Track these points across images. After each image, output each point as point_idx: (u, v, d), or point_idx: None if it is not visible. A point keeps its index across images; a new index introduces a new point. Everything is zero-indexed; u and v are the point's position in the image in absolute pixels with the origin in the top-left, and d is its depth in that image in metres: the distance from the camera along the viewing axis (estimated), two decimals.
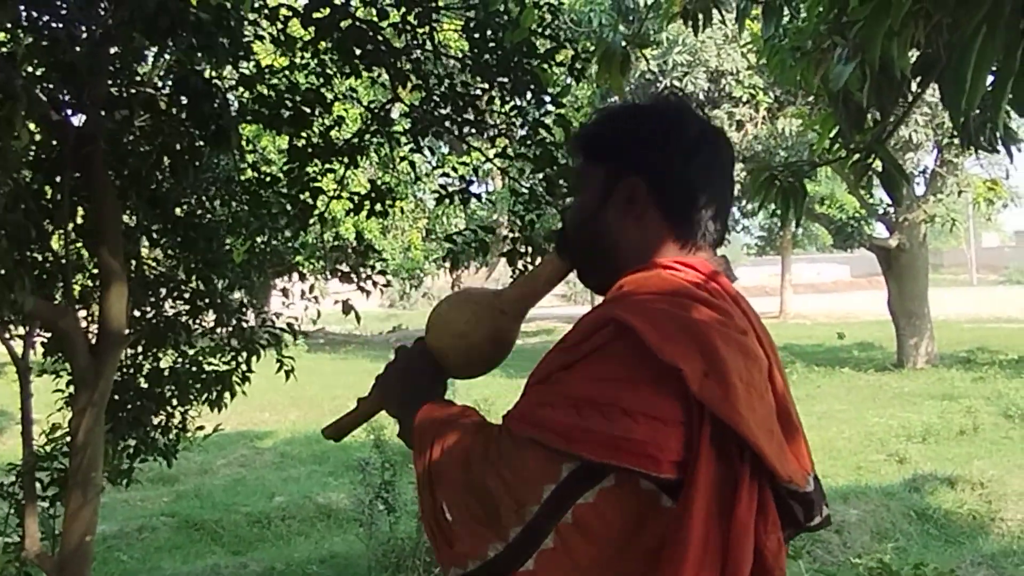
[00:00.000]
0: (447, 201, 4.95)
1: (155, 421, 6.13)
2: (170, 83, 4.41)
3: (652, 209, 1.61)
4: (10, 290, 3.58)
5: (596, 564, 1.41)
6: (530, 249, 4.77)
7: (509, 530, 1.41)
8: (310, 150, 4.73)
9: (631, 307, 1.48)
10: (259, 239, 5.95)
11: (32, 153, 4.45)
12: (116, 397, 5.56)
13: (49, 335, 5.09)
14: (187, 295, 5.88)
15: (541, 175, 4.76)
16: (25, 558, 4.60)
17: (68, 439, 4.79)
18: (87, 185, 4.29)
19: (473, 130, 4.84)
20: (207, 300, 5.85)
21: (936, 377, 18.00)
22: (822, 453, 12.04)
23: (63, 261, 4.31)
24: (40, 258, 4.48)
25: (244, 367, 6.18)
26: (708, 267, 1.61)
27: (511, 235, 4.79)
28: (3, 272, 3.59)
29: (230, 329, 6.09)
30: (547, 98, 4.78)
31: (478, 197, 4.96)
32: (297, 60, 5.33)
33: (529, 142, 4.73)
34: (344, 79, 5.18)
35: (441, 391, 1.77)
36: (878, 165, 4.13)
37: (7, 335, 5.09)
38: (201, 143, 4.66)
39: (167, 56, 4.65)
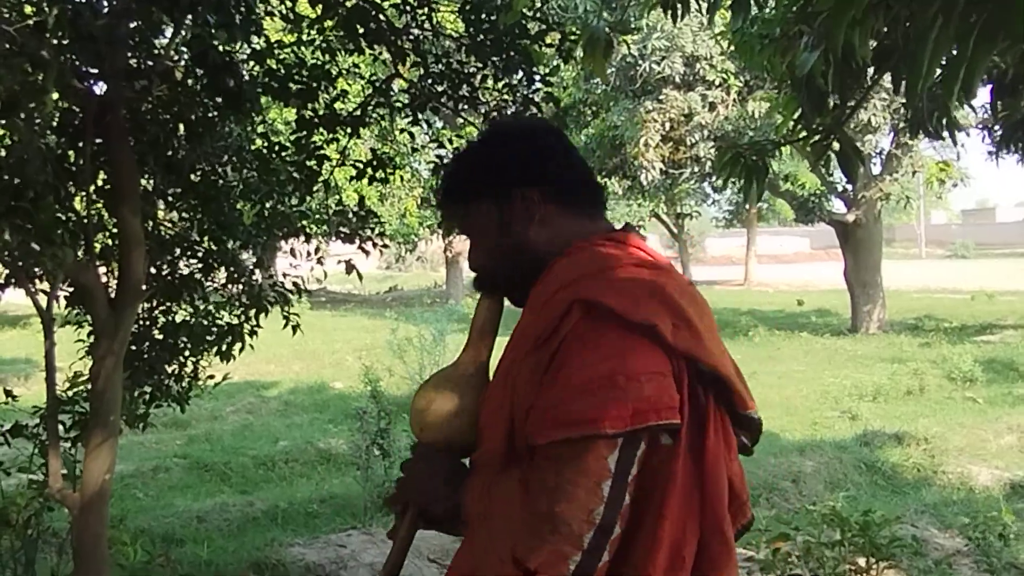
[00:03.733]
0: (442, 172, 4.92)
1: (169, 370, 6.12)
2: (187, 56, 4.36)
3: (548, 206, 1.67)
4: (51, 244, 3.56)
5: (637, 520, 1.44)
6: None
7: (583, 537, 1.39)
8: (316, 121, 4.70)
9: (588, 285, 1.50)
10: (268, 203, 5.92)
11: (56, 120, 4.40)
12: (133, 347, 5.55)
13: (71, 289, 5.07)
14: (200, 254, 5.86)
15: None
16: (49, 494, 4.60)
17: (89, 385, 4.78)
18: (108, 150, 4.25)
19: (467, 106, 4.82)
20: (219, 259, 5.83)
21: (887, 342, 18.08)
22: (780, 409, 12.13)
23: (85, 221, 4.27)
24: (63, 218, 4.45)
25: (253, 322, 6.18)
26: (625, 236, 1.68)
27: None
28: (45, 228, 3.56)
29: (240, 286, 6.08)
30: (537, 77, 4.75)
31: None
32: (303, 37, 5.28)
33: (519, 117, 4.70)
34: (348, 56, 5.14)
35: (465, 470, 1.71)
36: (836, 146, 4.15)
37: (32, 288, 5.07)
38: (214, 113, 4.63)
39: (183, 31, 4.59)
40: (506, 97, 4.81)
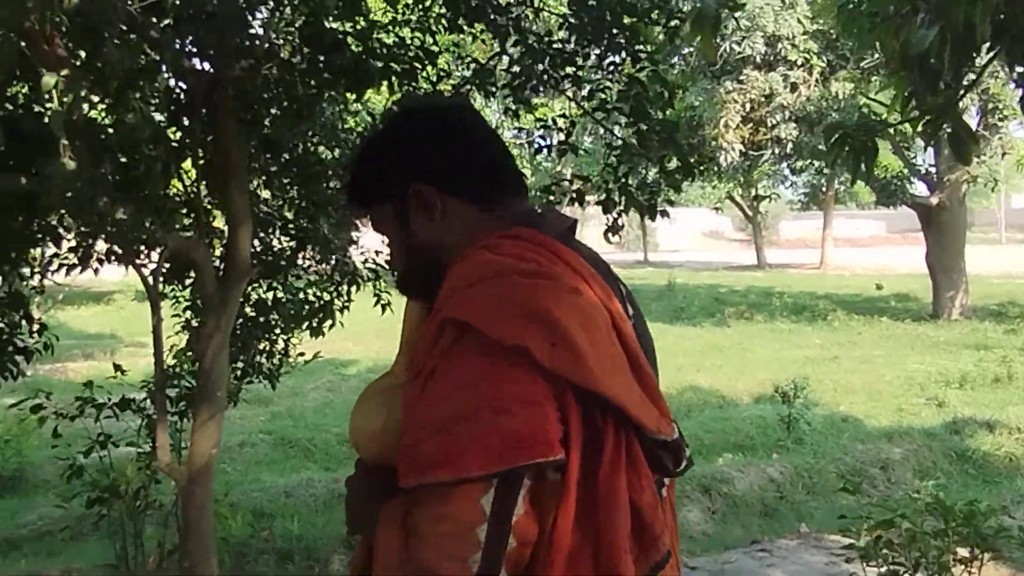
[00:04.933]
0: (545, 152, 4.90)
1: (260, 347, 6.20)
2: (294, 35, 4.36)
3: (447, 200, 1.50)
4: (164, 220, 3.60)
5: (532, 559, 1.28)
6: (623, 199, 4.70)
7: None
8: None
9: (458, 303, 1.33)
10: None
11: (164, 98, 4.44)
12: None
13: (167, 265, 5.14)
14: (292, 232, 5.90)
15: (634, 129, 4.67)
16: (156, 468, 4.67)
17: (193, 360, 4.85)
18: (215, 129, 4.28)
19: (571, 86, 4.76)
20: (312, 237, 5.87)
21: (970, 328, 17.64)
22: (863, 395, 11.91)
23: (193, 198, 4.31)
24: (174, 194, 4.50)
25: (344, 298, 6.23)
26: (527, 231, 1.46)
27: (606, 186, 4.71)
28: (157, 204, 3.59)
29: (332, 264, 6.12)
30: (643, 55, 4.65)
31: (575, 149, 4.87)
32: (398, 16, 5.27)
33: (625, 97, 4.63)
34: (447, 34, 5.10)
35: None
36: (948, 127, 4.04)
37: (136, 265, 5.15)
38: (316, 92, 4.63)
39: (281, 10, 4.59)
40: (610, 76, 4.73)
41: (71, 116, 2.98)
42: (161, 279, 5.60)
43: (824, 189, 33.06)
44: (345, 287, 6.17)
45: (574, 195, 4.83)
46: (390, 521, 1.36)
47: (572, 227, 1.55)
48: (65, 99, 2.97)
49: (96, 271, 5.45)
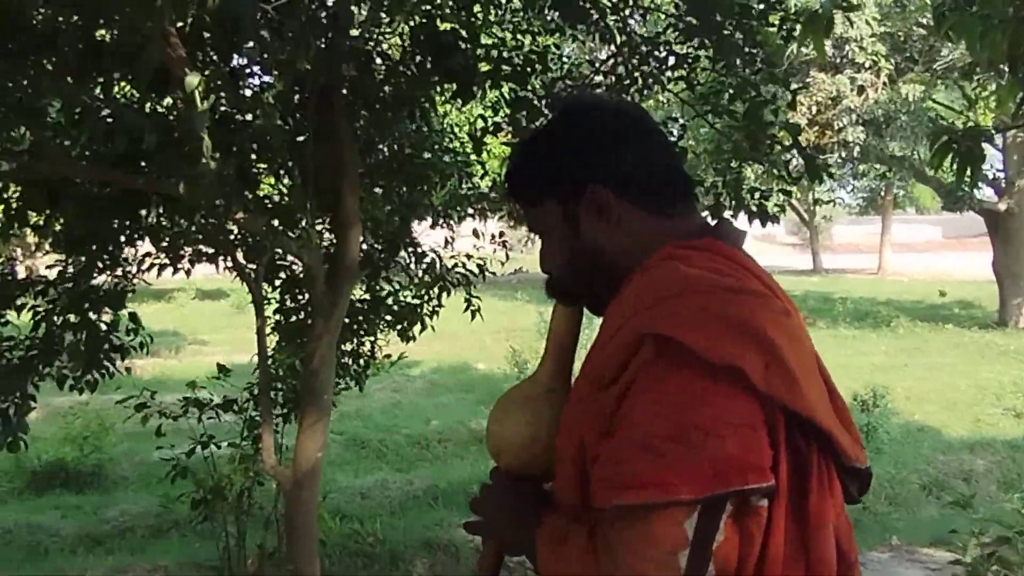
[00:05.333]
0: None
1: (347, 348, 6.18)
2: (401, 37, 4.33)
3: (624, 205, 1.41)
4: (291, 223, 3.57)
5: None
6: (734, 203, 4.61)
7: None
8: (533, 100, 4.59)
9: (663, 316, 1.25)
10: (451, 184, 5.91)
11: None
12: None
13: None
14: (382, 235, 5.87)
15: (745, 132, 4.59)
16: (261, 470, 4.66)
17: (295, 362, 4.83)
18: (328, 129, 4.25)
19: (683, 86, 4.68)
20: (404, 239, 5.85)
21: None
22: (937, 404, 11.70)
23: (305, 200, 4.28)
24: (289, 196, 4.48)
25: (434, 302, 6.19)
26: (714, 243, 1.39)
27: (715, 189, 4.63)
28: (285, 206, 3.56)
29: (423, 267, 6.09)
30: (758, 57, 4.55)
31: (684, 153, 4.79)
32: (502, 19, 5.21)
33: (738, 99, 4.54)
34: (550, 36, 5.04)
35: (541, 504, 1.46)
36: None
37: (231, 266, 5.14)
38: (423, 92, 4.59)
39: (394, 13, 4.55)
40: (723, 78, 4.64)
41: (213, 116, 2.95)
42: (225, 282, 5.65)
43: (883, 193, 32.62)
44: (436, 291, 6.12)
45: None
46: (561, 537, 1.32)
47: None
48: (206, 100, 2.95)
49: (188, 272, 5.48)
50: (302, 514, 4.51)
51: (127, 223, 4.79)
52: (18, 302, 4.86)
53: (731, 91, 4.56)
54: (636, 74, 4.72)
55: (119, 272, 5.06)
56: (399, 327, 6.04)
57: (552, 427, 1.44)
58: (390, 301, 6.09)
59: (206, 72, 2.92)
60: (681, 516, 1.16)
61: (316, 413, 4.43)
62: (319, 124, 4.30)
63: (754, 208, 4.65)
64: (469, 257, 6.22)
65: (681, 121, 5.19)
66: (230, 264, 5.46)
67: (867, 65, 16.96)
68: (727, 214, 4.66)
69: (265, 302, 5.96)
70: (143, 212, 4.75)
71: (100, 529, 7.66)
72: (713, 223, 1.48)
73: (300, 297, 5.34)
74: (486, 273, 6.25)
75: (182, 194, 3.33)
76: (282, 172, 4.24)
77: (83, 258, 4.80)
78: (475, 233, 6.29)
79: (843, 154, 17.81)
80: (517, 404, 1.52)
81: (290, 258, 5.52)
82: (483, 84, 4.19)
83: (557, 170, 1.45)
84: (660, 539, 1.16)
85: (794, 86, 5.25)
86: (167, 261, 5.29)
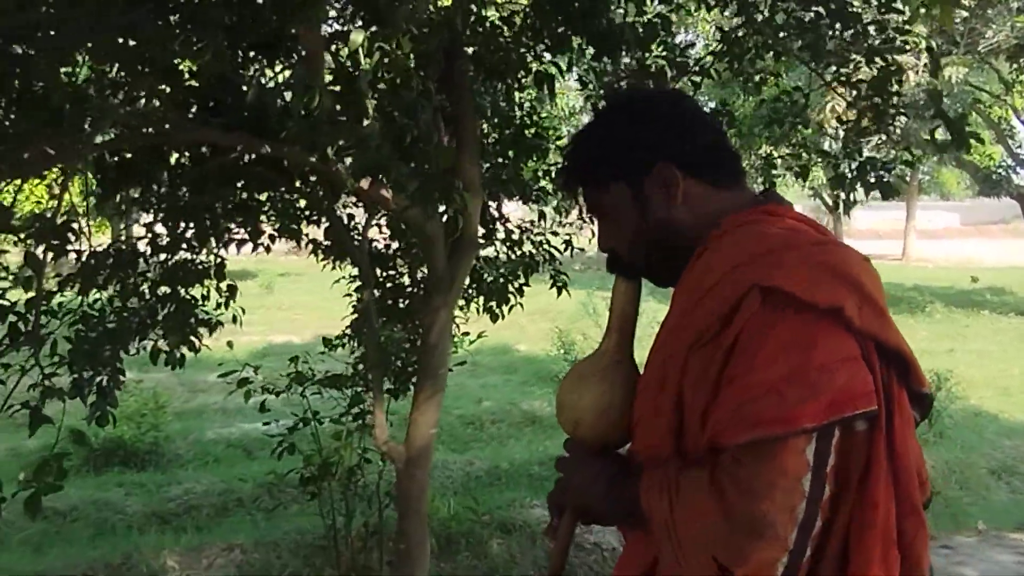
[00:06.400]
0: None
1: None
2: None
3: (689, 182, 1.52)
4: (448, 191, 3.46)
5: (835, 511, 1.34)
6: (856, 173, 4.49)
7: (788, 538, 1.29)
8: (665, 68, 4.46)
9: (760, 269, 1.36)
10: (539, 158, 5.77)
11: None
12: (388, 302, 5.51)
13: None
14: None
15: (867, 103, 4.46)
16: (376, 447, 4.55)
17: (397, 338, 4.72)
18: (451, 100, 4.12)
19: (811, 57, 4.55)
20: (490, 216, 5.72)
21: None
22: (991, 389, 11.61)
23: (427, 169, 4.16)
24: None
25: (521, 279, 6.06)
26: (779, 207, 1.53)
27: (836, 161, 4.50)
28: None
29: (508, 245, 5.96)
30: (892, 26, 4.42)
31: (806, 123, 4.67)
32: None
33: (864, 70, 4.41)
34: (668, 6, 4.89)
35: (625, 469, 1.56)
36: None
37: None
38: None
39: None
40: (851, 47, 4.51)
41: (375, 76, 2.84)
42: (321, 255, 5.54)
43: (908, 179, 32.40)
44: (521, 269, 5.98)
45: (798, 170, 4.64)
46: (672, 486, 1.40)
47: None
48: (370, 59, 2.84)
49: (268, 248, 5.37)
50: (415, 491, 4.42)
51: (233, 196, 4.69)
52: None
53: (857, 60, 4.43)
54: (755, 40, 4.57)
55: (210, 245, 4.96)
56: (488, 305, 5.91)
57: (626, 396, 1.57)
58: (486, 277, 5.95)
59: (370, 30, 2.78)
60: (803, 445, 1.29)
61: (432, 388, 4.33)
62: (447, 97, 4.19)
63: (871, 181, 4.53)
64: (555, 234, 6.10)
65: (804, 91, 5.03)
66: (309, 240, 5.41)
67: (908, 47, 16.75)
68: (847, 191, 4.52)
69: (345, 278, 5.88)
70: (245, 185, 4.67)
71: (165, 507, 7.58)
72: (763, 191, 1.62)
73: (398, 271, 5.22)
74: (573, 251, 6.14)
75: (330, 164, 3.23)
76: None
77: (190, 228, 4.69)
78: (557, 210, 6.16)
79: (883, 137, 17.59)
80: (592, 376, 1.62)
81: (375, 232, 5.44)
82: (618, 50, 4.03)
83: (625, 152, 1.55)
84: (788, 468, 1.29)
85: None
86: (246, 236, 5.18)
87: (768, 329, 1.32)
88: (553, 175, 6.32)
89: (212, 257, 5.01)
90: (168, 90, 3.67)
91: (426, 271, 4.50)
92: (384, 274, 5.23)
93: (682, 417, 1.42)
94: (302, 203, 5.15)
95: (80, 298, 4.58)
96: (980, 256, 32.65)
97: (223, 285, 4.96)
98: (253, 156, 4.37)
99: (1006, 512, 7.62)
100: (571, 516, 1.63)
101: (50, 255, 3.89)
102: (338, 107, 2.88)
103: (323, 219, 5.18)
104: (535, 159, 5.20)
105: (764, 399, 1.30)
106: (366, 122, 2.87)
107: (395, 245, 5.25)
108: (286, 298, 19.32)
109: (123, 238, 5.50)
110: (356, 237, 4.81)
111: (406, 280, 5.32)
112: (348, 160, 3.76)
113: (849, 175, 4.56)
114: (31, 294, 3.98)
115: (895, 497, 1.37)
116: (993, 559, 6.17)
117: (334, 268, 5.78)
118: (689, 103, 1.63)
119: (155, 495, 7.80)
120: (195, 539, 6.79)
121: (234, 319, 5.31)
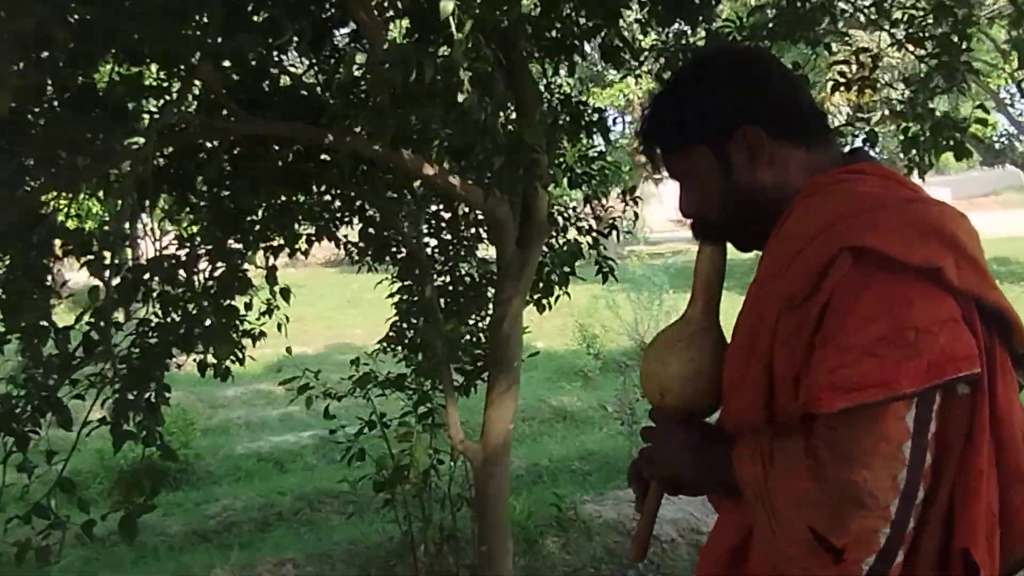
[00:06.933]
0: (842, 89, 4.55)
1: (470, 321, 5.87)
2: None
3: (773, 143, 1.47)
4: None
5: (937, 480, 1.29)
6: (929, 134, 4.35)
7: (889, 507, 1.24)
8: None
9: (852, 229, 1.31)
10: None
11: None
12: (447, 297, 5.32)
13: None
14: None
15: (936, 62, 4.32)
16: (452, 447, 4.38)
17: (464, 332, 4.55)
18: (513, 76, 3.95)
19: (877, 15, 4.40)
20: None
21: None
22: None
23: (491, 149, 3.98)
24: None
25: (567, 268, 5.86)
26: (870, 166, 1.48)
27: (906, 119, 4.37)
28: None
29: (553, 233, 5.77)
30: None
31: (874, 86, 4.52)
32: None
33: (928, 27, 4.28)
34: None
35: (714, 437, 1.53)
36: None
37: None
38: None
39: None
40: (917, 3, 4.38)
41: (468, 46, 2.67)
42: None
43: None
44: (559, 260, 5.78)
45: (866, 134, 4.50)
46: (765, 454, 1.35)
47: None
48: (463, 30, 2.67)
49: (306, 253, 5.18)
50: (493, 491, 4.25)
51: (276, 199, 4.51)
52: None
53: (929, 16, 4.29)
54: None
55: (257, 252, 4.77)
56: (536, 296, 5.73)
57: (714, 362, 1.53)
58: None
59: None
60: (903, 410, 1.24)
61: (506, 381, 4.16)
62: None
63: (948, 143, 4.38)
64: (599, 219, 5.91)
65: (872, 53, 4.88)
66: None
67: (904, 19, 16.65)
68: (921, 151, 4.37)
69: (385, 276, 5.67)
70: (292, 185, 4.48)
71: (206, 526, 7.40)
72: (851, 150, 1.60)
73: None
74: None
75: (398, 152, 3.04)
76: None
77: (235, 236, 4.50)
78: (595, 195, 5.94)
79: (886, 112, 17.49)
80: (679, 343, 1.58)
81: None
82: (678, 16, 3.87)
83: (708, 114, 1.50)
84: (889, 434, 1.24)
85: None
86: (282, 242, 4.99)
87: (862, 290, 1.28)
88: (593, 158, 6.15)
89: (255, 265, 4.83)
90: (216, 83, 3.46)
91: (495, 259, 4.32)
92: (443, 267, 5.04)
93: (773, 383, 1.38)
94: (337, 203, 4.99)
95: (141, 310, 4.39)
96: (980, 228, 32.66)
97: (276, 290, 4.79)
98: (296, 154, 4.21)
99: None
100: (658, 487, 1.61)
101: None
102: (433, 82, 2.68)
103: (355, 220, 5.02)
104: (586, 141, 5.01)
105: (860, 363, 1.25)
106: (460, 97, 2.69)
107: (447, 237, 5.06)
108: (291, 310, 19.10)
109: (160, 251, 5.31)
110: (403, 232, 4.61)
111: (466, 270, 5.12)
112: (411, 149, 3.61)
113: (923, 136, 4.40)
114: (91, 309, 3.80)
115: (998, 465, 1.33)
116: None
117: (370, 270, 5.58)
118: (768, 61, 1.59)
119: (194, 514, 7.61)
120: (243, 556, 6.61)
121: (279, 326, 5.14)
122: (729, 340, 1.53)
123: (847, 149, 1.58)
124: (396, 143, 3.56)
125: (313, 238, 5.18)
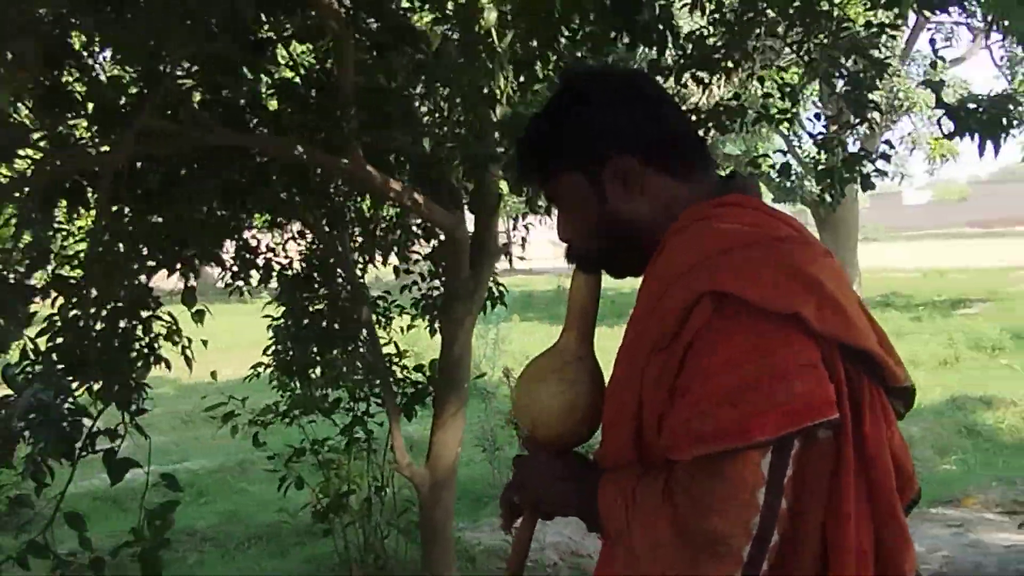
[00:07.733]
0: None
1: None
2: None
3: (648, 173, 1.46)
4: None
5: (798, 523, 1.30)
6: (840, 166, 4.61)
7: (741, 552, 1.26)
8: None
9: (715, 273, 1.30)
10: None
11: None
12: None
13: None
14: None
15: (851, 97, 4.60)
16: (396, 471, 4.25)
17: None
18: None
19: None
20: None
21: (879, 317, 18.31)
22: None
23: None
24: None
25: None
26: (742, 198, 1.46)
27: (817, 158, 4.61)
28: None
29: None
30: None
31: (790, 119, 4.76)
32: None
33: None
34: None
35: (585, 468, 1.54)
36: None
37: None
38: None
39: None
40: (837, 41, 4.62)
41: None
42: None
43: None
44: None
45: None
46: (628, 494, 1.36)
47: None
48: (504, 39, 2.67)
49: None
50: (440, 516, 4.17)
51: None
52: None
53: (839, 55, 4.53)
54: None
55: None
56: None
57: (588, 395, 1.52)
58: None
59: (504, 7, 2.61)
60: (759, 457, 1.24)
61: (456, 403, 4.11)
62: None
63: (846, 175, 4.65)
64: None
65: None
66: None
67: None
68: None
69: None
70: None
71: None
72: (726, 176, 1.54)
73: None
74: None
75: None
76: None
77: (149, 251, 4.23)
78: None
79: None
80: (551, 375, 1.54)
81: None
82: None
83: (581, 142, 1.47)
84: (744, 480, 1.24)
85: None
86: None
87: (721, 337, 1.27)
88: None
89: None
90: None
91: (444, 280, 4.26)
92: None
93: (642, 422, 1.37)
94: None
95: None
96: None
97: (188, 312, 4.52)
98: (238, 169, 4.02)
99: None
100: (530, 515, 1.59)
101: None
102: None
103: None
104: None
105: (716, 411, 1.25)
106: (499, 109, 2.67)
107: None
108: (223, 337, 17.96)
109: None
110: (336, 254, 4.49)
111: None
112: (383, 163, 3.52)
113: (835, 168, 4.66)
114: None
115: (872, 503, 1.34)
116: (929, 534, 6.45)
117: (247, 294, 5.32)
118: (646, 87, 1.54)
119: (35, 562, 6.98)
120: None
121: (183, 351, 4.83)
122: (609, 376, 1.49)
123: (724, 174, 1.55)
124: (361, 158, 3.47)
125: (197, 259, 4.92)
